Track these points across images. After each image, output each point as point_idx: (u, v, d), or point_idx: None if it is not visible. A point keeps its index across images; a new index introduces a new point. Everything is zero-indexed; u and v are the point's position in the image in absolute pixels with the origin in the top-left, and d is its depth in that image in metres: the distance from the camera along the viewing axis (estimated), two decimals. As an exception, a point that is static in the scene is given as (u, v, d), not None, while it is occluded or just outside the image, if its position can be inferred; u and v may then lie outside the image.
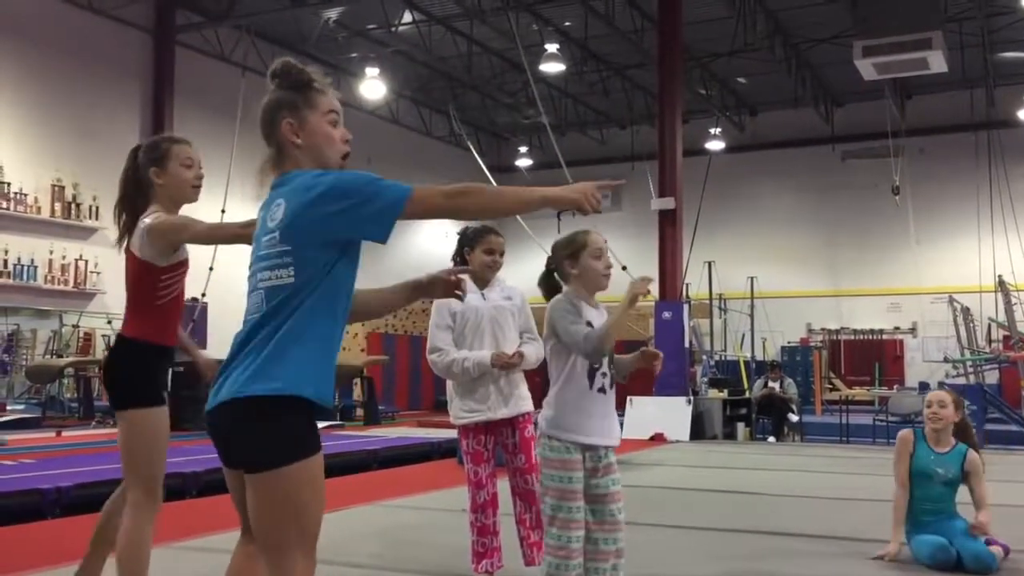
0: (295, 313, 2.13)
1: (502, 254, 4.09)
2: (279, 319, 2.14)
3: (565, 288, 3.24)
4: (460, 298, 2.75)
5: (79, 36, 15.12)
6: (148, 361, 3.34)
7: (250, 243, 2.35)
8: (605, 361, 3.15)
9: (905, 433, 4.66)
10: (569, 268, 3.21)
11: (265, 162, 2.38)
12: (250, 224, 3.20)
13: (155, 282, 3.29)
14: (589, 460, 3.11)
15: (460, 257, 4.07)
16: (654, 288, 13.64)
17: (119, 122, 15.79)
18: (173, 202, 3.41)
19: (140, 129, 16.07)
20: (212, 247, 12.80)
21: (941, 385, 15.91)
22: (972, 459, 4.50)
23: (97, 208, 14.99)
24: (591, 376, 3.13)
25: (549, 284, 3.28)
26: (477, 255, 4.02)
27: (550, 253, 3.31)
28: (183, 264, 3.37)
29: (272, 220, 2.23)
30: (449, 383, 4.12)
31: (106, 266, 14.80)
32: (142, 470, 3.26)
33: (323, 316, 2.16)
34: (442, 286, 2.70)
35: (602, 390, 3.15)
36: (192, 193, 3.45)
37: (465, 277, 2.81)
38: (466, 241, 4.08)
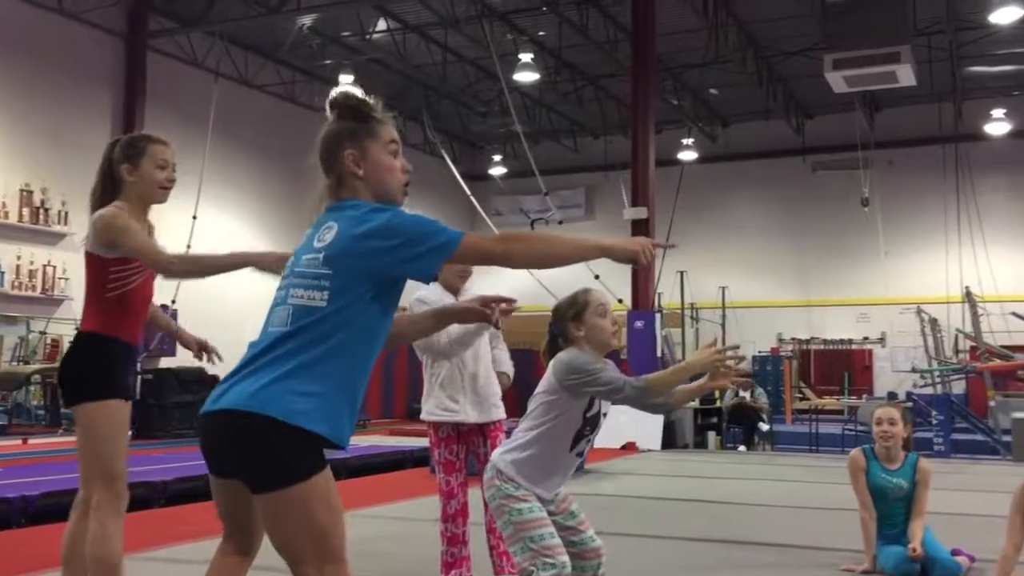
0: (322, 342, 2.13)
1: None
2: (303, 341, 2.13)
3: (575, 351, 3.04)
4: (496, 326, 2.79)
5: (50, 40, 14.97)
6: (101, 354, 3.28)
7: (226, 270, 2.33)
8: (594, 429, 3.03)
9: (855, 454, 4.61)
10: (575, 331, 3.03)
11: (324, 192, 2.35)
12: (238, 257, 3.22)
13: (103, 274, 3.28)
14: (544, 505, 3.02)
15: None
16: (627, 298, 13.70)
17: (90, 127, 15.63)
18: (141, 201, 3.40)
19: (111, 134, 15.89)
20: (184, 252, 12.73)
21: (909, 396, 16.09)
22: (923, 468, 4.51)
23: (66, 213, 14.83)
24: (576, 440, 3.00)
25: (555, 351, 3.06)
26: (447, 267, 4.02)
27: (551, 318, 3.13)
28: (133, 259, 3.30)
29: (320, 241, 2.23)
30: (426, 380, 4.10)
31: (74, 272, 14.61)
32: (100, 465, 3.19)
33: (351, 355, 2.16)
34: (476, 314, 2.74)
35: (579, 454, 3.05)
36: (161, 195, 3.43)
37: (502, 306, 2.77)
38: None
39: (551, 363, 3.02)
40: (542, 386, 3.03)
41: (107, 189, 3.40)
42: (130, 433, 3.55)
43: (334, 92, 2.39)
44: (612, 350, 3.14)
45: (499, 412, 4.10)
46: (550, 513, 3.00)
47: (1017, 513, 3.77)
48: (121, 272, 3.30)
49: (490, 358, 4.14)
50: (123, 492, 3.24)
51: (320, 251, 2.21)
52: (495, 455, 3.07)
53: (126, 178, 3.36)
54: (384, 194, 2.32)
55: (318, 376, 2.11)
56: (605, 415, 3.08)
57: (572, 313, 3.06)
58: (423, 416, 4.10)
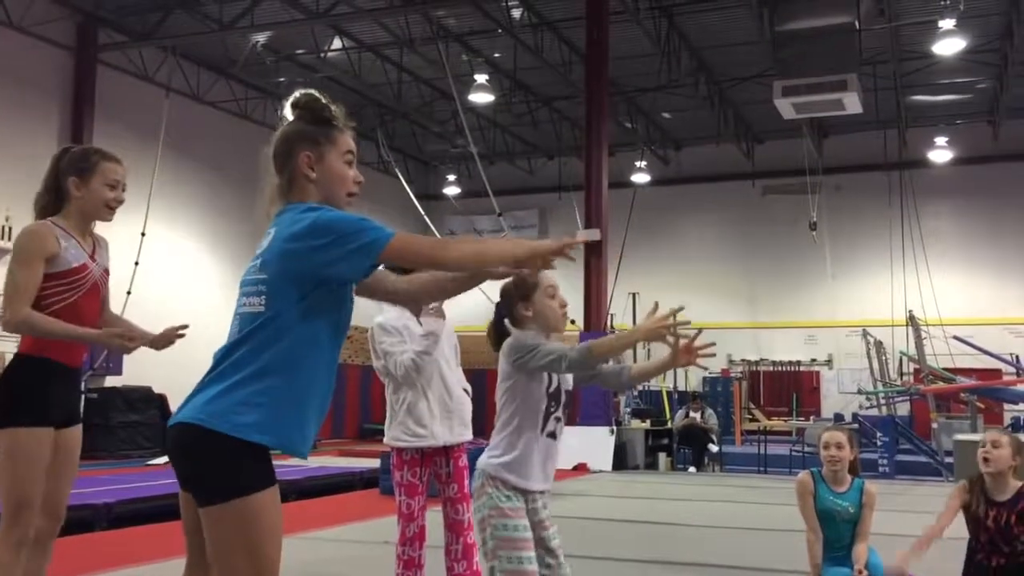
0: (265, 349, 2.12)
1: None
2: (248, 349, 2.13)
3: (516, 331, 3.02)
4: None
5: (-4, 51, 14.71)
6: (34, 376, 3.17)
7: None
8: (560, 405, 3.02)
9: (803, 476, 4.61)
10: (523, 311, 3.02)
11: (273, 191, 2.34)
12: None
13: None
14: (528, 509, 2.98)
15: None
16: (579, 319, 13.76)
17: (36, 140, 15.33)
18: (83, 217, 3.31)
19: (57, 148, 15.59)
20: (132, 269, 12.53)
21: (855, 417, 16.33)
22: (869, 491, 4.57)
23: (10, 228, 14.50)
24: (544, 420, 2.98)
25: (500, 332, 3.04)
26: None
27: (500, 299, 3.10)
28: (66, 275, 3.21)
29: (260, 248, 2.25)
30: (389, 404, 4.03)
31: (18, 288, 14.31)
32: (6, 494, 3.09)
33: (297, 362, 2.14)
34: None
35: (552, 435, 3.01)
36: (106, 213, 3.34)
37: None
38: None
39: (502, 349, 2.99)
40: (500, 376, 3.01)
41: (51, 199, 3.31)
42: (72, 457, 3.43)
43: (297, 92, 2.38)
44: (559, 332, 3.09)
45: (467, 433, 4.06)
46: (533, 524, 2.96)
47: (955, 499, 4.14)
48: (53, 288, 3.19)
49: (457, 377, 4.08)
50: (28, 523, 3.11)
51: (258, 256, 2.24)
52: (481, 461, 3.01)
53: (73, 192, 3.27)
54: (331, 200, 2.31)
55: (265, 385, 2.11)
56: (568, 392, 3.05)
57: (521, 293, 3.03)
58: (387, 441, 4.02)
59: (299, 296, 2.15)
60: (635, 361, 3.11)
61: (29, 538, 3.13)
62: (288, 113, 2.38)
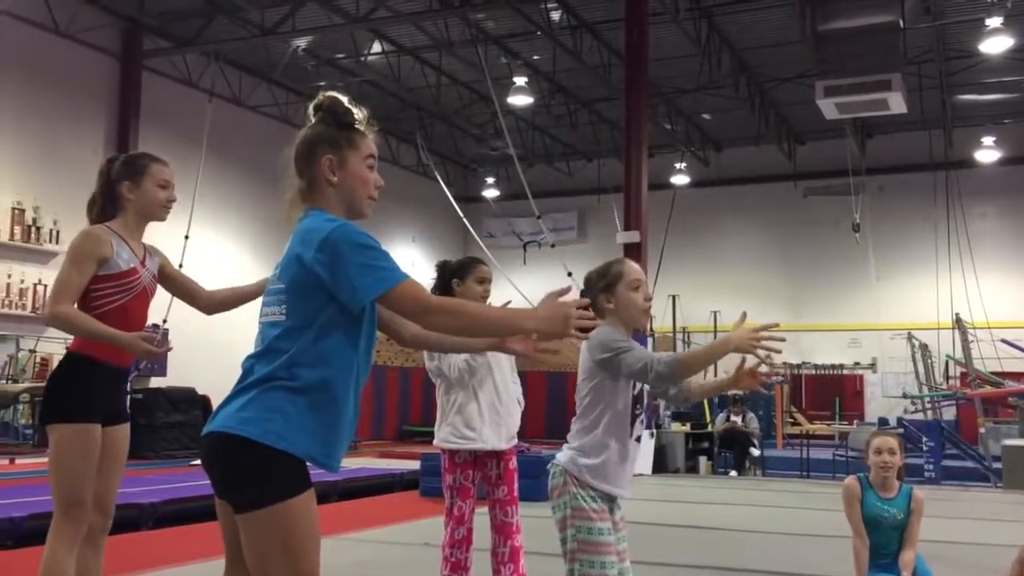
0: (290, 358, 2.12)
1: (491, 282, 3.97)
2: (273, 358, 2.13)
3: (601, 323, 2.89)
4: (539, 359, 2.66)
5: (44, 59, 14.99)
6: (77, 374, 3.25)
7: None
8: (643, 408, 2.94)
9: (850, 482, 4.58)
10: (605, 302, 2.91)
11: (295, 194, 2.33)
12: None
13: (86, 290, 3.25)
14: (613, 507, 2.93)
15: (445, 290, 3.91)
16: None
17: (82, 146, 15.63)
18: (140, 218, 3.41)
19: (104, 153, 15.89)
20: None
21: (899, 421, 16.08)
22: (917, 498, 4.50)
23: (58, 232, 14.79)
24: (632, 423, 2.87)
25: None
26: (470, 286, 3.88)
27: (582, 286, 3.00)
28: (119, 276, 3.28)
29: (283, 255, 2.25)
30: (440, 405, 4.02)
31: (65, 291, 14.56)
32: (58, 489, 3.15)
33: (323, 370, 2.13)
34: (522, 347, 2.59)
35: (638, 439, 2.93)
36: (161, 213, 3.44)
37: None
38: (453, 272, 3.94)
39: (586, 343, 2.86)
40: (581, 373, 2.90)
41: (105, 205, 3.41)
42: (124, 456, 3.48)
43: (320, 95, 2.36)
44: (641, 328, 2.97)
45: (515, 439, 4.05)
46: (612, 524, 2.91)
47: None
48: (104, 289, 3.27)
49: (511, 384, 4.05)
50: (81, 519, 3.17)
51: (278, 265, 2.24)
52: (563, 459, 2.90)
53: (127, 196, 3.37)
54: (351, 204, 2.29)
55: (294, 393, 2.10)
56: (647, 392, 2.95)
57: (603, 284, 2.92)
58: (437, 442, 4.00)
59: (315, 305, 2.14)
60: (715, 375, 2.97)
61: (81, 534, 3.18)
62: (310, 115, 2.36)
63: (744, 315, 2.71)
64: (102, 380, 3.28)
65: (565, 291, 2.24)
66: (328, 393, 2.14)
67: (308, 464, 2.14)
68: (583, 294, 3.00)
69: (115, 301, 3.29)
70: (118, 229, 3.36)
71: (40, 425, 3.36)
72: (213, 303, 3.55)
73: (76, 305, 3.25)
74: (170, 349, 3.34)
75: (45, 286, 14.74)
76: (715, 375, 3.33)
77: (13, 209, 14.47)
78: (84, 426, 3.19)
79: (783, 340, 2.60)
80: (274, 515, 2.05)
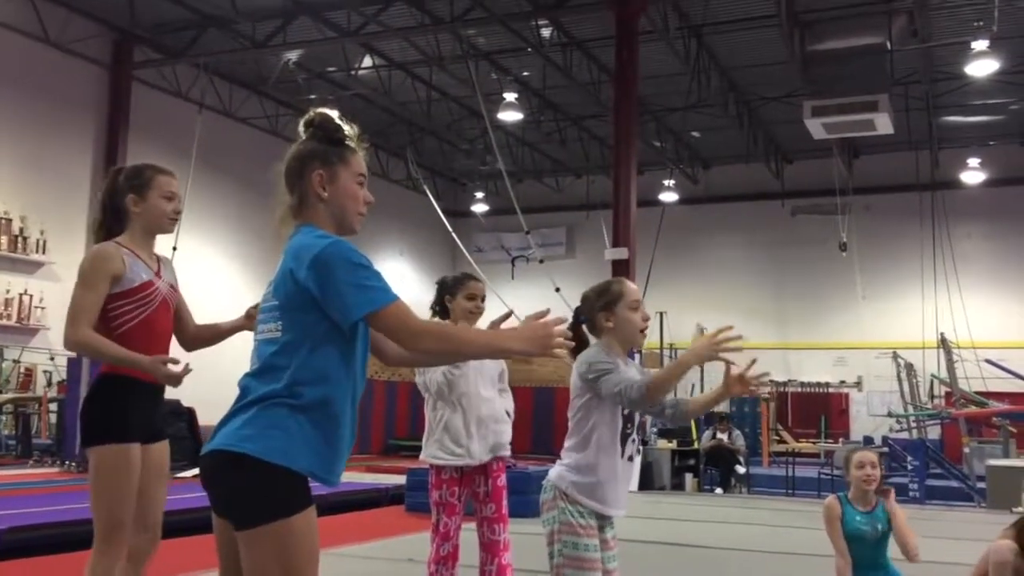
0: (288, 375, 2.12)
1: (484, 299, 3.98)
2: (272, 375, 2.13)
3: (595, 342, 2.99)
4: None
5: (33, 69, 14.96)
6: (112, 395, 3.22)
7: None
8: (635, 427, 2.97)
9: (830, 501, 4.61)
10: (604, 321, 2.95)
11: (284, 211, 2.33)
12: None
13: (105, 310, 3.20)
14: (598, 527, 2.93)
15: (440, 305, 3.98)
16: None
17: (71, 156, 15.59)
18: (147, 232, 3.36)
19: (92, 163, 15.88)
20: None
21: (884, 440, 16.14)
22: (891, 504, 4.58)
23: (44, 242, 14.72)
24: (623, 443, 2.91)
25: (579, 339, 2.93)
26: (459, 302, 3.92)
27: (580, 303, 3.04)
28: (133, 292, 3.24)
29: (275, 272, 2.24)
30: (428, 420, 4.03)
31: (51, 301, 14.49)
32: (99, 513, 3.12)
33: (321, 386, 2.13)
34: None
35: (630, 458, 2.96)
36: (168, 225, 3.40)
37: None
38: (446, 289, 3.98)
39: (575, 362, 2.91)
40: (573, 390, 2.94)
41: (109, 220, 3.36)
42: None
43: (312, 111, 2.37)
44: (638, 347, 3.02)
45: (505, 452, 4.04)
46: (602, 542, 2.92)
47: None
48: (122, 307, 3.23)
49: (497, 398, 4.06)
50: (121, 543, 3.13)
51: (271, 282, 2.24)
52: (554, 475, 2.93)
53: (132, 209, 3.32)
54: (341, 221, 2.30)
55: (296, 411, 2.11)
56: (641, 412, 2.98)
57: (603, 303, 2.97)
58: (424, 457, 4.01)
59: (309, 321, 2.14)
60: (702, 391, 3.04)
61: (121, 560, 3.14)
62: (301, 131, 2.36)
63: (701, 328, 2.79)
64: (138, 399, 3.25)
65: (543, 314, 2.28)
66: (329, 409, 2.15)
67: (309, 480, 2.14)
68: (577, 311, 3.03)
69: (136, 316, 3.24)
70: (127, 243, 3.31)
71: (81, 448, 3.32)
72: (198, 339, 3.51)
73: (98, 325, 3.19)
74: (189, 371, 3.27)
75: (31, 296, 14.66)
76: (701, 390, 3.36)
77: (0, 219, 14.41)
78: (124, 446, 3.16)
79: (740, 338, 2.65)
80: (276, 532, 2.05)
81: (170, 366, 3.20)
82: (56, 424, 13.72)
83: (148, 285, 3.29)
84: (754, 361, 2.81)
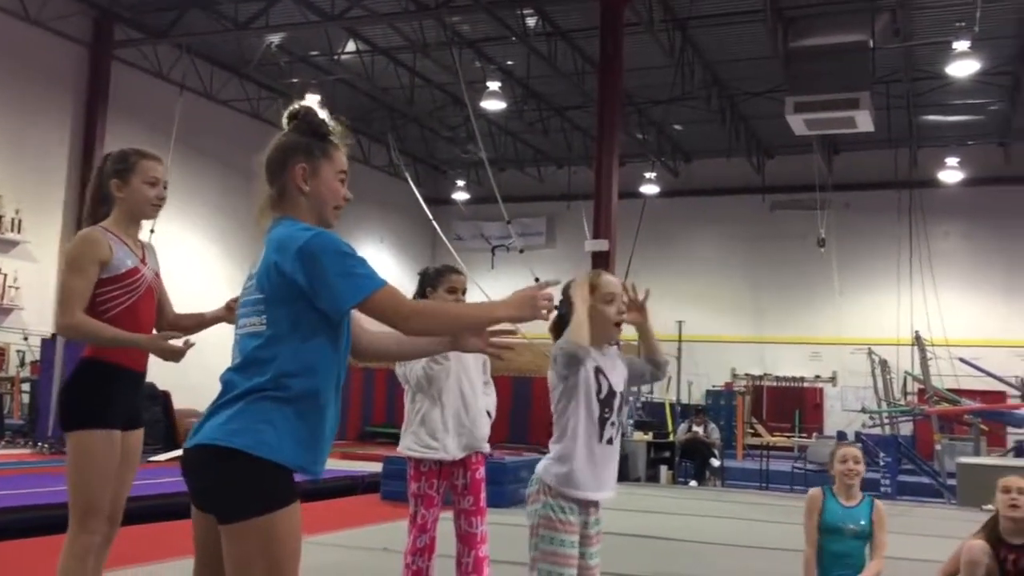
0: (273, 369, 2.11)
1: (464, 292, 3.98)
2: (256, 369, 2.12)
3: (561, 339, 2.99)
4: (499, 357, 2.61)
5: (12, 46, 14.76)
6: (96, 380, 3.20)
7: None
8: (614, 411, 3.00)
9: (814, 492, 4.69)
10: None
11: (264, 202, 2.32)
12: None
13: (91, 297, 3.18)
14: (581, 522, 2.95)
15: (421, 296, 3.94)
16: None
17: (49, 135, 15.42)
18: (131, 217, 3.33)
19: (70, 143, 15.71)
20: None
21: (857, 436, 16.28)
22: (879, 508, 4.62)
23: (20, 221, 14.54)
24: (601, 427, 2.95)
25: (561, 329, 2.97)
26: (439, 295, 3.91)
27: (561, 296, 3.02)
28: (120, 279, 3.22)
29: (254, 266, 2.23)
30: (407, 411, 4.01)
31: (25, 281, 14.34)
32: (76, 498, 3.11)
33: (306, 379, 2.13)
34: (478, 343, 2.49)
35: (610, 441, 2.98)
36: (151, 211, 3.36)
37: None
38: (428, 280, 3.98)
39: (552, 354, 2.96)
40: (550, 384, 3.00)
41: (95, 205, 3.33)
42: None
43: (296, 104, 2.37)
44: (611, 340, 3.06)
45: (483, 445, 4.02)
46: (584, 537, 2.94)
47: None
48: (108, 293, 3.20)
49: (478, 394, 4.04)
50: (96, 529, 3.12)
51: (253, 276, 2.22)
52: (540, 468, 2.99)
53: (115, 194, 3.28)
54: (321, 214, 2.29)
55: (282, 403, 2.10)
56: (622, 394, 3.03)
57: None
58: (401, 449, 3.99)
59: (295, 313, 2.13)
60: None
61: (95, 546, 3.12)
62: (285, 123, 2.35)
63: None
64: (122, 385, 3.24)
65: (543, 286, 2.36)
66: (315, 400, 2.15)
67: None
68: (559, 304, 3.01)
69: (122, 303, 3.22)
70: (112, 228, 3.28)
71: (61, 431, 3.27)
72: (176, 327, 3.45)
73: (88, 307, 3.17)
74: (192, 345, 3.26)
75: (4, 276, 14.50)
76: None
77: (-25, 197, 14.24)
78: (105, 432, 3.14)
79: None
80: (261, 526, 2.05)
81: (171, 341, 3.18)
82: (29, 404, 13.60)
83: (134, 272, 3.27)
84: (648, 291, 3.06)
